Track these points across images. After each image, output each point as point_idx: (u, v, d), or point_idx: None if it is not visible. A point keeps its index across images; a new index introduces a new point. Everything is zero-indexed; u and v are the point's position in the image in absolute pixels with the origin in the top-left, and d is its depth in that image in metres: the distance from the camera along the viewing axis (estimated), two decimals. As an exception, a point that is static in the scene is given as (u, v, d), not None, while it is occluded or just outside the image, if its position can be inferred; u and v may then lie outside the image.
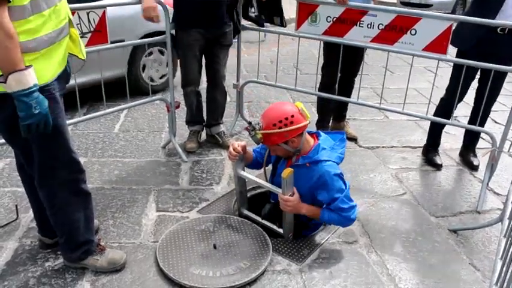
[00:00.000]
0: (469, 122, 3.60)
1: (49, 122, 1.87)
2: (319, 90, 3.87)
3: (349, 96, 3.91)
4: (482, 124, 3.45)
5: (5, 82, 1.73)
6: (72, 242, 2.28)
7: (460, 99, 3.44)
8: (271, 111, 2.43)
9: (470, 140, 3.78)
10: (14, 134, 1.96)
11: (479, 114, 3.34)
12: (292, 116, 2.36)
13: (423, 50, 3.17)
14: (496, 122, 4.66)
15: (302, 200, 2.47)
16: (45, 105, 1.82)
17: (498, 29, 3.10)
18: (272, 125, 2.36)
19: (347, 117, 4.24)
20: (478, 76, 3.45)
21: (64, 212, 2.20)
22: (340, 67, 3.63)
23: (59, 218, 2.23)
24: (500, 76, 3.27)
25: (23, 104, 1.76)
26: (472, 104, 3.59)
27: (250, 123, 2.43)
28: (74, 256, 2.32)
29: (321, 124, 4.02)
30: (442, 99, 3.60)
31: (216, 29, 3.44)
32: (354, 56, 3.71)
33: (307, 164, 2.47)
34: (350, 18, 3.35)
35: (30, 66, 1.78)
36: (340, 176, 2.45)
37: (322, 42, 3.73)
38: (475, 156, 3.75)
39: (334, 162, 2.48)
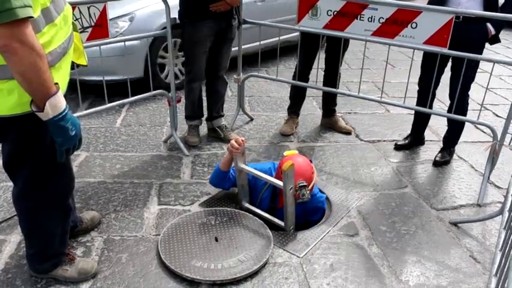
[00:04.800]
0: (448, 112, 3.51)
1: (81, 141, 1.74)
2: (293, 78, 4.03)
3: (336, 87, 3.91)
4: (463, 113, 3.39)
5: (42, 111, 1.56)
6: (43, 254, 2.15)
7: (428, 87, 3.47)
8: (302, 167, 2.61)
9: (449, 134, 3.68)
10: (12, 163, 1.87)
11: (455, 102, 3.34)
12: (311, 161, 2.76)
13: (424, 43, 3.17)
14: (497, 116, 4.67)
15: (296, 220, 2.68)
16: (78, 124, 1.69)
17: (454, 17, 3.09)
18: (311, 174, 2.66)
19: (348, 111, 4.23)
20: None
21: (44, 226, 2.05)
22: (325, 57, 3.86)
23: (37, 231, 2.07)
24: (467, 64, 3.18)
25: (60, 129, 1.61)
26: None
27: (297, 188, 2.53)
28: (42, 268, 2.18)
29: (292, 110, 4.15)
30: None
31: (227, 20, 3.46)
32: (334, 45, 3.77)
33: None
34: (351, 12, 3.34)
35: (56, 84, 1.59)
36: (323, 200, 2.87)
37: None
38: (447, 153, 3.66)
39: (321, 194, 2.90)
